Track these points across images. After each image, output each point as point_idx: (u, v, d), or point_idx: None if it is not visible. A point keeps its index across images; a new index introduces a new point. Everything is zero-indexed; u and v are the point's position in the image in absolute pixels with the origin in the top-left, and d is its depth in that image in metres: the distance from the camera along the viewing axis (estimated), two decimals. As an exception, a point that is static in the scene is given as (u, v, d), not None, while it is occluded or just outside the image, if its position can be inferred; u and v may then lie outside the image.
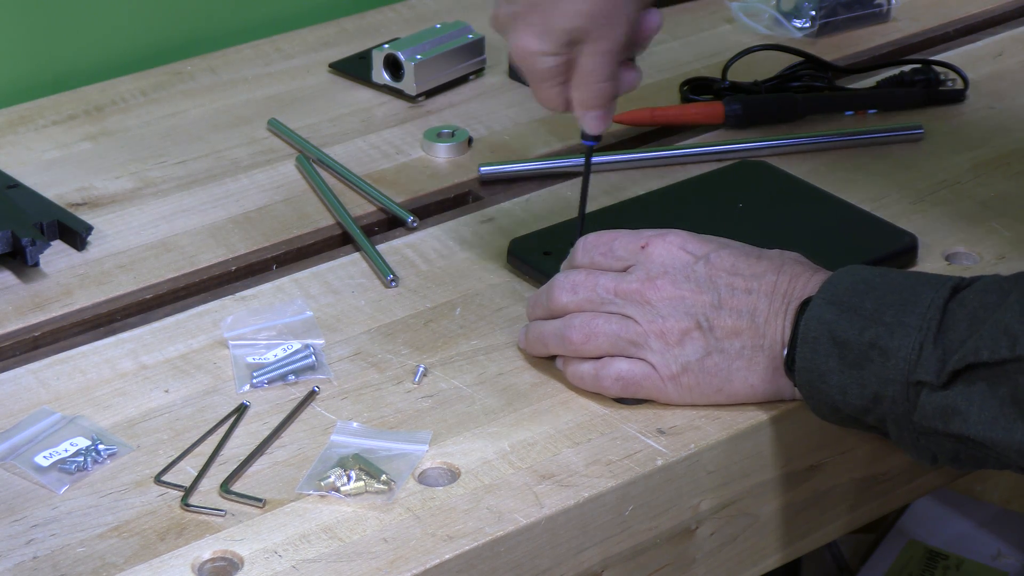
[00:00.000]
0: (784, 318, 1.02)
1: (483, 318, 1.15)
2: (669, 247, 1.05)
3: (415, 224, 1.26)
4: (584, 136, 1.14)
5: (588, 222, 1.20)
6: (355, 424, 1.04)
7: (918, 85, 1.42)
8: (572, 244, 1.14)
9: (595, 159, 1.34)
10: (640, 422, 1.04)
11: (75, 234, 1.25)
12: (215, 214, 1.29)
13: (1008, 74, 1.47)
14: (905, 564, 1.59)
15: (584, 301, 1.05)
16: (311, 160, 1.35)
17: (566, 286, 1.06)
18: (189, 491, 0.99)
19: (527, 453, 1.02)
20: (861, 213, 1.23)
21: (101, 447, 1.02)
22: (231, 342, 1.12)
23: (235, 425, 1.05)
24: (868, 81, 1.45)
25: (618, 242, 1.07)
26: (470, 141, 1.38)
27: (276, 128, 1.41)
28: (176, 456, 1.02)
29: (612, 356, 1.05)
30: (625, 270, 1.06)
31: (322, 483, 0.98)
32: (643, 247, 1.06)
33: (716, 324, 1.03)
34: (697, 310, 1.03)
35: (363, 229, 1.26)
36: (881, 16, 1.57)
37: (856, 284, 1.00)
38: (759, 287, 1.03)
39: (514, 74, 1.48)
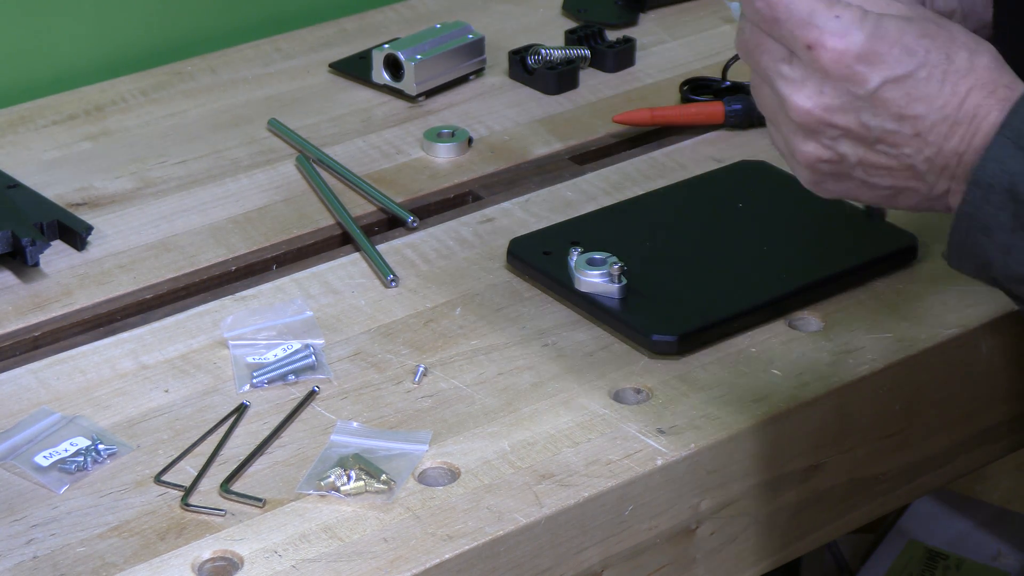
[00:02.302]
0: (954, 172, 0.89)
1: (483, 318, 1.15)
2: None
3: (415, 224, 1.26)
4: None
5: (587, 222, 1.20)
6: (355, 424, 1.04)
7: (918, 85, 1.42)
8: (572, 244, 1.14)
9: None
10: (640, 422, 1.04)
11: (75, 234, 1.25)
12: (215, 214, 1.29)
13: (1008, 74, 1.47)
14: (905, 564, 1.59)
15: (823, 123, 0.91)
16: (311, 160, 1.35)
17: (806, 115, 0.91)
18: (189, 491, 0.99)
19: (527, 453, 1.02)
20: (861, 213, 1.22)
21: (101, 447, 1.02)
22: (231, 342, 1.12)
23: (235, 425, 1.05)
24: (868, 81, 1.45)
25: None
26: (470, 141, 1.38)
27: (276, 128, 1.41)
28: (176, 456, 1.02)
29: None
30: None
31: (322, 483, 0.98)
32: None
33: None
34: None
35: (363, 229, 1.25)
36: (881, 16, 1.57)
37: None
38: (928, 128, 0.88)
39: (515, 74, 1.47)
